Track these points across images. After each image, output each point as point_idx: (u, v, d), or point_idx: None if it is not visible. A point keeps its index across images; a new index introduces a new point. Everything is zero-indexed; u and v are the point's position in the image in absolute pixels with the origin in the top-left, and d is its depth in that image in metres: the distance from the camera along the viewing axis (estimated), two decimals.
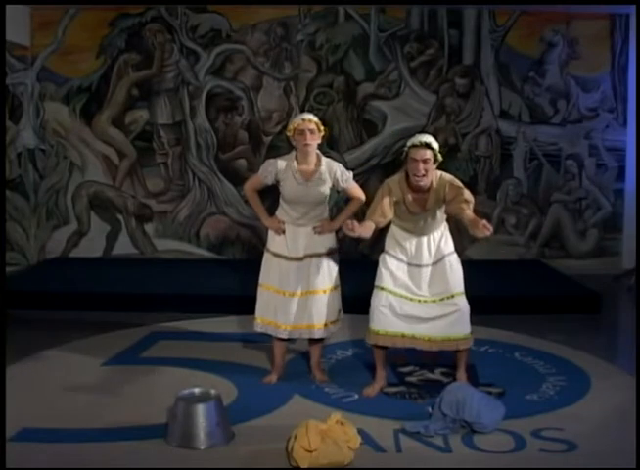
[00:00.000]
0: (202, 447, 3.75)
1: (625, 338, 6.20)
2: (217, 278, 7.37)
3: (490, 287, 7.02)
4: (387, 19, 8.36)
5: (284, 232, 4.58)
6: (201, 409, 3.79)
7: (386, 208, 4.36)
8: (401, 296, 4.42)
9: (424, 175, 4.27)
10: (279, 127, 8.38)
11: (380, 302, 4.42)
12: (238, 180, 8.44)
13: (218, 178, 8.46)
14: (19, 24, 7.96)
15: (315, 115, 4.60)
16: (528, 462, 3.67)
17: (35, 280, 7.45)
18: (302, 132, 4.45)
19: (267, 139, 8.43)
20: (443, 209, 4.45)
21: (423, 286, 4.45)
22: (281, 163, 4.55)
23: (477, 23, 8.38)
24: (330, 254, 4.63)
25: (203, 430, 3.76)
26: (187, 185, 8.48)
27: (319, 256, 4.58)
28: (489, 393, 4.40)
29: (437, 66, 8.43)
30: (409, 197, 4.38)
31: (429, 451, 3.77)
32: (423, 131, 8.37)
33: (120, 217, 8.50)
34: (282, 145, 8.36)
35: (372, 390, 4.51)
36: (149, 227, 8.51)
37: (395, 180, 4.43)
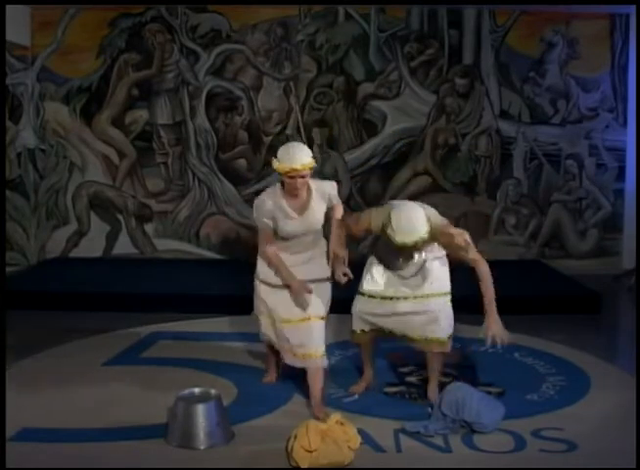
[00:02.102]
0: (202, 447, 3.75)
1: (625, 338, 6.21)
2: (217, 278, 7.38)
3: None
4: (387, 19, 8.35)
5: (310, 292, 4.16)
6: (201, 409, 3.79)
7: (375, 224, 4.18)
8: (378, 297, 4.33)
9: None
10: (279, 127, 8.38)
11: (357, 305, 4.38)
12: (238, 180, 8.46)
13: (218, 178, 8.46)
14: (19, 24, 7.95)
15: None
16: (528, 462, 3.67)
17: (35, 280, 7.45)
18: (293, 178, 4.03)
19: (267, 139, 8.42)
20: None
21: (402, 288, 4.33)
22: (268, 202, 4.12)
23: (477, 23, 8.38)
24: (327, 280, 4.36)
25: (203, 430, 3.76)
26: (187, 185, 8.48)
27: (317, 281, 4.29)
28: (489, 393, 4.41)
29: (437, 66, 8.43)
30: None
31: (429, 451, 3.77)
32: (423, 131, 8.40)
33: (120, 217, 8.50)
34: (282, 145, 8.36)
35: (358, 388, 4.50)
36: (149, 227, 8.51)
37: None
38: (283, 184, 4.14)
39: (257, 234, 4.34)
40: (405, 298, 4.29)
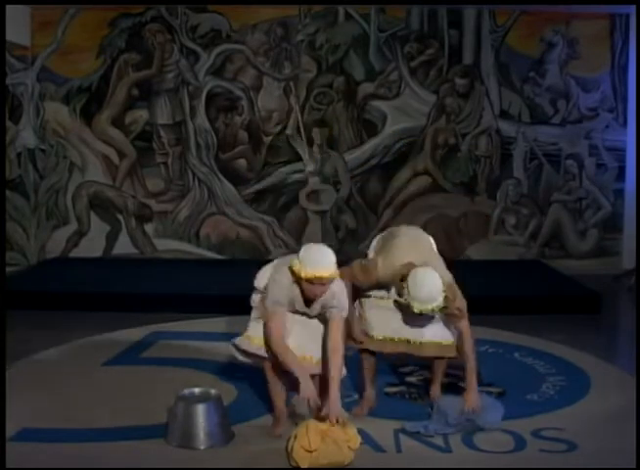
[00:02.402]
0: (202, 447, 3.75)
1: (625, 338, 6.21)
2: (217, 278, 7.38)
3: (490, 287, 7.02)
4: (387, 19, 8.36)
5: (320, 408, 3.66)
6: (201, 409, 3.78)
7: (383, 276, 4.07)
8: (384, 298, 4.20)
9: None
10: (279, 127, 8.38)
11: (368, 306, 4.23)
12: (238, 180, 8.46)
13: (218, 178, 8.46)
14: (19, 24, 7.96)
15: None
16: (528, 462, 3.67)
17: (35, 280, 7.45)
18: (312, 283, 3.66)
19: (267, 139, 8.43)
20: None
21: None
22: (287, 288, 3.76)
23: (477, 23, 8.38)
24: None
25: (203, 430, 3.75)
26: (187, 185, 8.48)
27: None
28: (489, 393, 4.41)
29: (437, 66, 8.43)
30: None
31: (429, 451, 3.77)
32: (423, 131, 8.40)
33: (120, 217, 8.50)
34: (282, 145, 8.38)
35: (361, 410, 4.26)
36: (149, 227, 8.51)
37: (381, 274, 4.06)
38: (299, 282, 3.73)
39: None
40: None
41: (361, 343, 4.20)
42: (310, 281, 3.64)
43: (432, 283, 3.87)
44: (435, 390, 4.39)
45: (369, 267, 4.12)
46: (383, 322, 4.18)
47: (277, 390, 3.94)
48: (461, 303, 4.06)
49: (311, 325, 3.93)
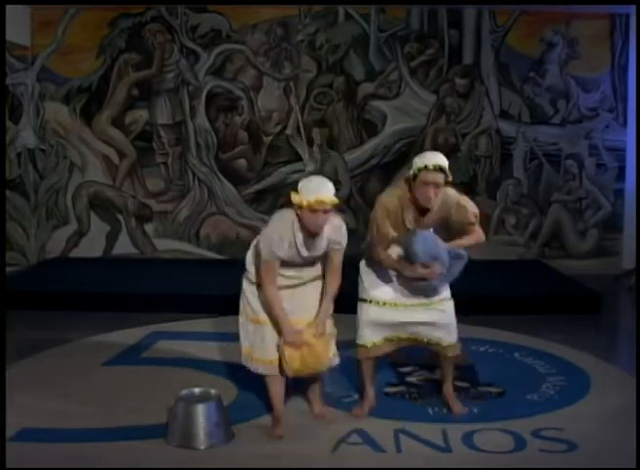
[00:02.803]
0: (202, 447, 3.75)
1: (625, 338, 6.21)
2: (217, 278, 7.37)
3: (490, 287, 7.02)
4: (387, 19, 8.36)
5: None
6: (201, 409, 3.79)
7: (391, 232, 4.02)
8: (386, 304, 4.14)
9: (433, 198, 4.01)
10: (279, 127, 8.38)
11: (366, 315, 4.15)
12: (238, 180, 8.46)
13: (218, 178, 8.46)
14: (19, 24, 7.96)
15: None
16: (528, 462, 3.67)
17: (35, 280, 7.45)
18: (315, 212, 3.63)
19: (267, 139, 8.43)
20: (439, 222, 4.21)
21: (408, 291, 4.12)
22: (285, 241, 3.72)
23: (477, 23, 8.38)
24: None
25: (203, 430, 3.76)
26: (187, 185, 8.48)
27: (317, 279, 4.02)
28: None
29: (437, 66, 8.43)
30: (410, 215, 4.05)
31: (429, 451, 3.77)
32: (423, 131, 8.40)
33: (120, 217, 8.50)
34: (282, 145, 8.38)
35: (362, 410, 4.23)
36: (149, 227, 8.52)
37: (394, 197, 4.04)
38: (299, 218, 3.71)
39: (257, 234, 4.13)
40: (421, 304, 4.11)
41: (365, 348, 4.18)
42: (313, 209, 3.62)
43: (436, 154, 4.02)
44: (448, 389, 4.31)
45: (379, 223, 4.02)
46: (381, 324, 4.14)
47: (275, 390, 3.98)
48: (476, 208, 4.25)
49: (301, 294, 3.92)
